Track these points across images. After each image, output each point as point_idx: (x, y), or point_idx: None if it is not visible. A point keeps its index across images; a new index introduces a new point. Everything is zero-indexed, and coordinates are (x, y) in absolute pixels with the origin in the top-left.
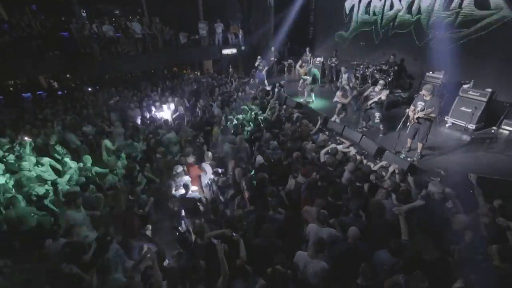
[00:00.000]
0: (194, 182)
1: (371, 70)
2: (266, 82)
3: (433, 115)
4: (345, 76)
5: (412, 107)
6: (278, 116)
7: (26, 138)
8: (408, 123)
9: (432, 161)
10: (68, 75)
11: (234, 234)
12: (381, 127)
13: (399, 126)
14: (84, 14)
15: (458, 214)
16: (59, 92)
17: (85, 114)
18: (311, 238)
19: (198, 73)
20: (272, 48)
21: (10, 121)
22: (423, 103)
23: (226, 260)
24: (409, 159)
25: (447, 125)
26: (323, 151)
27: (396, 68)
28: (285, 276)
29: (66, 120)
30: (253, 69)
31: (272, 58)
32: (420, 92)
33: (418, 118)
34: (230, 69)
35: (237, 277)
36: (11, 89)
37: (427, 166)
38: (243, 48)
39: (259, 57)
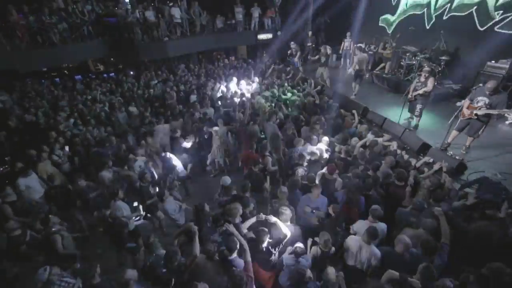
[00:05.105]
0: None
1: (418, 58)
2: (300, 68)
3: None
4: None
5: (467, 101)
6: (313, 104)
7: None
8: (460, 118)
9: (485, 161)
10: (112, 59)
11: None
12: (417, 120)
13: (450, 121)
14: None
15: None
16: (105, 75)
17: (129, 96)
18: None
19: (233, 58)
20: (310, 33)
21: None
22: (486, 99)
23: None
24: (457, 157)
25: (507, 122)
26: (358, 144)
27: (447, 57)
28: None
29: (112, 100)
30: (288, 56)
31: (309, 44)
32: (480, 85)
33: (477, 114)
34: (264, 55)
35: None
36: (66, 72)
37: (478, 167)
38: (279, 33)
39: (292, 42)
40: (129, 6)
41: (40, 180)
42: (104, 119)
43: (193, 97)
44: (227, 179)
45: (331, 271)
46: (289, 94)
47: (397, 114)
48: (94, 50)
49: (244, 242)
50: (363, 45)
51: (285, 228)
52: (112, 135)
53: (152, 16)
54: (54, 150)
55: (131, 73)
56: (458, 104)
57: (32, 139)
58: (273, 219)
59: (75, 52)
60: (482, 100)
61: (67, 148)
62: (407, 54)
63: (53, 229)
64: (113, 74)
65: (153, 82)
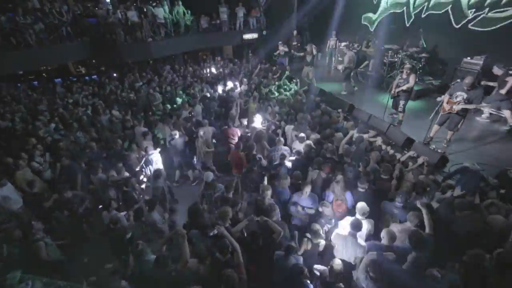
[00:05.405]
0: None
1: (400, 56)
2: (287, 67)
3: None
4: None
5: (447, 96)
6: (300, 103)
7: None
8: (441, 112)
9: (464, 153)
10: (94, 61)
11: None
12: (401, 116)
13: (431, 116)
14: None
15: (495, 215)
16: (87, 78)
17: (113, 99)
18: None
19: (219, 59)
20: (295, 32)
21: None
22: (464, 94)
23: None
24: (439, 150)
25: (483, 115)
26: (342, 142)
27: (427, 54)
28: None
29: (95, 104)
30: (274, 55)
31: (295, 43)
32: (458, 80)
33: (455, 109)
34: (250, 55)
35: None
36: (44, 74)
37: (458, 159)
38: (264, 32)
39: (280, 42)
40: (110, 6)
41: (17, 190)
42: (86, 123)
43: (179, 100)
44: (209, 175)
45: (337, 262)
46: (276, 94)
47: (382, 111)
48: (74, 52)
49: (236, 244)
50: (347, 43)
51: (277, 226)
52: (95, 140)
53: (134, 16)
54: (34, 157)
55: (114, 75)
56: (439, 99)
57: (9, 146)
58: (263, 219)
59: (53, 54)
60: (460, 95)
61: (48, 154)
62: (389, 52)
63: (37, 236)
64: (95, 76)
65: (137, 84)
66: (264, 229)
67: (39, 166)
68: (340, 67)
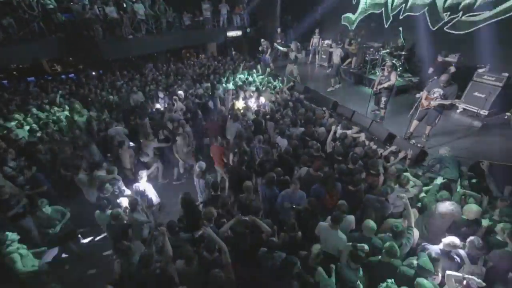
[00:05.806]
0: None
1: (381, 54)
2: (271, 65)
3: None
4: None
5: (425, 92)
6: (285, 100)
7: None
8: (420, 108)
9: (443, 147)
10: (70, 58)
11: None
12: (382, 112)
13: (411, 112)
14: None
15: (471, 204)
16: (63, 76)
17: (93, 98)
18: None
19: (202, 56)
20: (279, 30)
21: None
22: (441, 91)
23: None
24: (419, 145)
25: (457, 110)
26: (328, 140)
27: (406, 52)
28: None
29: (73, 103)
30: (258, 53)
31: (279, 41)
32: (435, 77)
33: (433, 104)
34: (233, 52)
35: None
36: (15, 73)
37: (436, 152)
38: (248, 30)
39: (262, 40)
40: (86, 1)
41: None
42: (63, 124)
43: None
44: (202, 164)
45: (316, 246)
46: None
47: (365, 107)
48: (48, 49)
49: (223, 244)
50: (329, 41)
51: (265, 225)
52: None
53: (113, 12)
54: (6, 162)
55: (93, 73)
56: (418, 95)
57: None
58: (252, 218)
59: (24, 51)
60: (437, 91)
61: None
62: (371, 49)
63: (10, 247)
64: (72, 75)
65: (118, 82)
66: (253, 229)
67: (12, 171)
68: (335, 63)
